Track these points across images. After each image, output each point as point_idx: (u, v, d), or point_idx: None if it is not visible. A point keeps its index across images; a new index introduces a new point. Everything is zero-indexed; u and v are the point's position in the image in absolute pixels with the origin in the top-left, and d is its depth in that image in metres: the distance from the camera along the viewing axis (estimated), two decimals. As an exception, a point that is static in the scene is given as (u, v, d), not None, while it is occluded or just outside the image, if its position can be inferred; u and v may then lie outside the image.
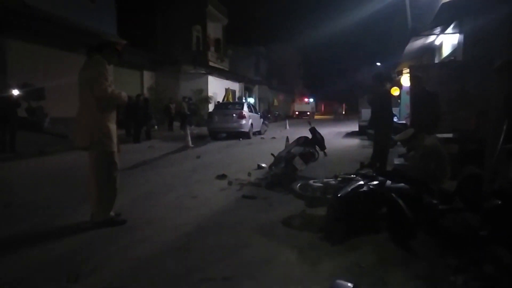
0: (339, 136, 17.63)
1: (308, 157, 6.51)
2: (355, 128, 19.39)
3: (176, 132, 18.65)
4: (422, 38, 11.72)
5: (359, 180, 3.97)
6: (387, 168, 6.37)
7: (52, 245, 3.60)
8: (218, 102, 23.56)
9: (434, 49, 13.55)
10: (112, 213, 4.15)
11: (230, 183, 6.42)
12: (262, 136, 17.88)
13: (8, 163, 9.12)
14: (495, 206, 3.06)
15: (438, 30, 10.55)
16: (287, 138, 8.07)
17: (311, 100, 54.85)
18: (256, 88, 41.01)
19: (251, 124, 16.55)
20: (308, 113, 49.51)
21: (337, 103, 62.09)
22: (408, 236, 3.33)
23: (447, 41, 11.38)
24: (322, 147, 6.90)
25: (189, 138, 13.00)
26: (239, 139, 15.57)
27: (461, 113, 6.97)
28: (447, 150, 5.11)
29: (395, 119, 8.10)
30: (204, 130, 18.12)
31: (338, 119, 42.82)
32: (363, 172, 4.63)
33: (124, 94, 4.23)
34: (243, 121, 15.98)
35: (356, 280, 2.72)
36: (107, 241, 3.67)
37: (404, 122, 11.84)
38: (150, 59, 23.52)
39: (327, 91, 65.36)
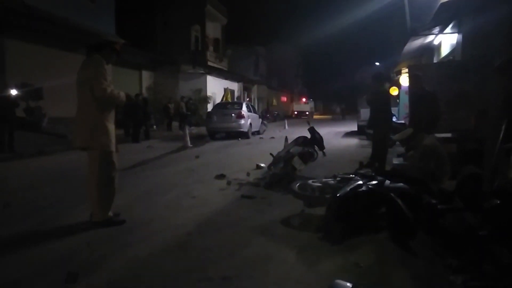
0: (338, 136, 17.64)
1: (307, 157, 6.50)
2: (354, 128, 19.40)
3: (175, 132, 18.64)
4: (421, 38, 11.72)
5: (358, 180, 3.96)
6: (386, 167, 6.37)
7: (51, 245, 3.59)
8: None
9: (433, 49, 13.56)
10: (111, 213, 4.14)
11: (229, 183, 6.41)
12: (261, 136, 17.88)
13: (7, 163, 9.10)
14: (494, 206, 3.06)
15: (437, 30, 10.55)
16: (286, 138, 8.06)
17: (310, 100, 54.90)
18: (255, 88, 41.00)
19: (250, 124, 16.55)
20: (307, 113, 49.54)
21: (336, 103, 62.19)
22: (408, 236, 3.33)
23: (446, 41, 11.38)
24: (321, 147, 6.90)
25: (188, 138, 12.99)
26: (238, 139, 15.57)
27: (460, 112, 6.97)
28: (446, 149, 5.11)
29: (393, 119, 8.11)
30: (203, 130, 18.12)
31: (335, 119, 42.80)
32: (362, 171, 4.62)
33: (122, 94, 4.21)
34: (242, 121, 15.97)
35: (355, 280, 2.72)
36: (106, 241, 3.66)
37: (403, 122, 11.86)
38: (149, 59, 23.49)
39: (326, 91, 65.45)
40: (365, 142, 13.00)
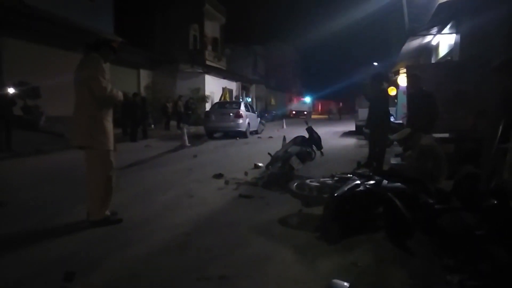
0: (336, 136, 17.65)
1: (305, 157, 6.51)
2: (352, 127, 19.42)
3: (173, 131, 18.62)
4: (419, 38, 11.74)
5: (356, 180, 3.97)
6: (383, 167, 6.38)
7: (49, 244, 3.58)
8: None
9: (431, 49, 13.58)
10: (108, 212, 4.13)
11: (227, 182, 6.41)
12: (259, 135, 17.88)
13: (4, 162, 9.06)
14: (491, 206, 3.07)
15: (435, 30, 10.57)
16: (284, 137, 8.06)
17: (308, 99, 54.87)
18: (253, 88, 40.98)
19: (248, 123, 16.54)
20: (305, 112, 49.53)
21: (334, 102, 62.24)
22: (405, 236, 3.33)
23: (444, 41, 11.41)
24: (319, 147, 6.91)
25: (186, 137, 12.98)
26: (236, 139, 15.56)
27: (458, 113, 6.98)
28: (444, 149, 5.12)
29: (391, 119, 8.12)
30: (201, 129, 18.10)
31: (332, 118, 42.80)
32: (359, 171, 4.63)
33: (120, 93, 4.21)
34: (240, 121, 15.97)
35: (353, 279, 2.72)
36: (103, 241, 3.66)
37: (400, 122, 11.88)
38: (147, 58, 23.45)
39: (324, 91, 65.44)
40: (363, 142, 13.01)
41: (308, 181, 4.87)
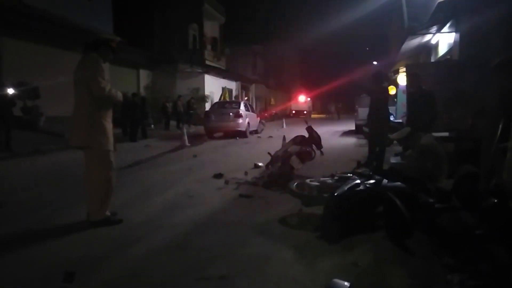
0: (336, 135, 17.66)
1: (305, 156, 6.51)
2: (352, 127, 19.42)
3: (173, 131, 18.61)
4: (418, 37, 11.74)
5: (356, 179, 3.97)
6: (383, 167, 6.38)
7: (48, 244, 3.58)
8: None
9: (431, 48, 13.58)
10: (108, 213, 4.13)
11: (227, 182, 6.41)
12: (259, 135, 17.88)
13: (4, 162, 9.05)
14: (491, 205, 3.07)
15: (434, 29, 10.57)
16: (284, 137, 8.06)
17: (308, 99, 54.85)
18: (253, 87, 40.96)
19: (248, 123, 16.54)
20: (305, 112, 49.51)
21: (334, 102, 62.23)
22: (405, 235, 3.33)
23: (443, 40, 11.41)
24: (319, 146, 6.90)
25: (186, 137, 12.97)
26: (236, 138, 15.56)
27: (457, 112, 6.99)
28: (443, 149, 5.11)
29: (391, 118, 8.12)
30: (200, 129, 18.10)
31: (330, 118, 42.76)
32: (359, 171, 4.64)
33: (120, 93, 4.20)
34: (240, 120, 15.97)
35: (353, 279, 2.72)
36: (103, 241, 3.65)
37: (400, 121, 11.87)
38: (146, 58, 23.44)
39: (324, 90, 65.42)
40: (363, 141, 13.00)
41: (308, 180, 4.87)
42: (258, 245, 3.52)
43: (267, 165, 6.88)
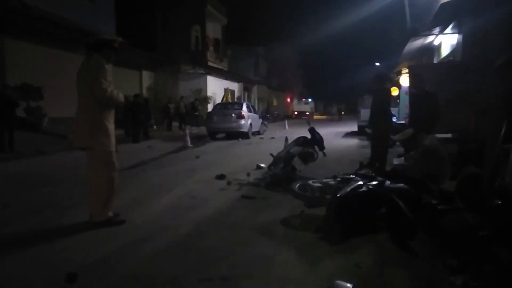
0: (338, 136, 17.64)
1: (307, 157, 6.50)
2: (354, 128, 19.39)
3: (175, 132, 18.64)
4: (421, 38, 11.72)
5: (358, 180, 3.96)
6: (386, 168, 6.36)
7: (51, 245, 3.58)
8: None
9: (433, 49, 13.55)
10: (110, 213, 4.13)
11: (229, 183, 6.40)
12: (261, 136, 17.88)
13: (7, 163, 9.09)
14: (495, 206, 3.06)
15: (437, 30, 10.54)
16: (286, 138, 8.05)
17: (310, 100, 54.86)
18: (255, 88, 41.00)
19: (250, 124, 16.54)
20: (307, 113, 49.51)
21: (335, 103, 62.21)
22: (408, 236, 3.32)
23: (446, 41, 11.38)
24: (321, 147, 6.89)
25: (188, 138, 12.99)
26: (238, 139, 15.56)
27: (460, 113, 6.96)
28: (446, 150, 5.10)
29: (394, 119, 8.10)
30: (203, 130, 18.12)
31: (332, 119, 42.70)
32: (362, 172, 4.62)
33: (122, 95, 4.21)
34: (242, 121, 15.97)
35: (355, 280, 2.71)
36: (105, 242, 3.65)
37: (403, 122, 11.84)
38: (149, 59, 23.49)
39: (326, 91, 65.45)
40: (366, 143, 12.98)
41: (310, 181, 4.86)
42: (260, 246, 3.52)
43: (269, 166, 6.88)
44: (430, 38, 12.01)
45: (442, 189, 4.03)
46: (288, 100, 54.48)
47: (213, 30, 31.19)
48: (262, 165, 7.83)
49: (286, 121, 26.37)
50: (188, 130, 14.01)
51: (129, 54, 18.60)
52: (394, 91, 15.01)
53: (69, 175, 7.26)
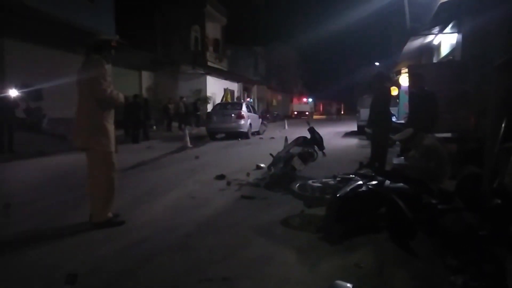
0: (338, 136, 17.63)
1: (307, 157, 6.50)
2: (354, 128, 19.39)
3: (175, 132, 18.63)
4: (420, 38, 11.72)
5: (358, 180, 3.96)
6: (386, 168, 6.36)
7: (51, 246, 3.58)
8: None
9: (433, 49, 13.55)
10: (110, 214, 4.13)
11: (228, 183, 6.40)
12: (261, 136, 17.88)
13: (7, 163, 9.09)
14: (495, 206, 3.06)
15: (436, 29, 10.55)
16: (286, 138, 8.05)
17: (310, 100, 54.89)
18: (254, 88, 40.99)
19: (250, 124, 16.54)
20: (307, 113, 49.55)
21: (336, 103, 62.23)
22: (408, 236, 3.32)
23: (446, 40, 11.38)
24: (321, 147, 6.89)
25: (188, 139, 12.98)
26: (238, 139, 15.56)
27: (460, 112, 6.97)
28: (446, 149, 5.10)
29: (393, 119, 8.10)
30: (202, 130, 18.11)
31: (330, 119, 42.79)
32: (362, 172, 4.62)
33: (122, 96, 4.21)
34: (242, 121, 15.97)
35: (355, 280, 2.71)
36: (105, 242, 3.65)
37: (402, 121, 11.84)
38: (148, 59, 23.47)
39: (326, 91, 65.44)
40: (365, 142, 12.98)
41: (310, 181, 4.86)
42: (260, 247, 3.52)
43: (269, 166, 6.87)
44: (429, 38, 12.01)
45: (442, 189, 4.02)
46: (288, 100, 54.50)
47: (213, 30, 31.18)
48: (262, 165, 7.83)
49: (285, 121, 26.38)
50: (187, 130, 14.00)
51: (128, 54, 18.56)
52: (394, 91, 15.03)
53: (69, 176, 7.25)
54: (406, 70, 11.85)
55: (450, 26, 9.85)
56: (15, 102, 10.58)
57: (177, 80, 25.22)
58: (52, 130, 13.24)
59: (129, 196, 5.44)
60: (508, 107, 3.81)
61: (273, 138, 16.15)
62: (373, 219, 3.79)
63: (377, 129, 6.74)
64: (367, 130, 8.30)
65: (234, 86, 33.06)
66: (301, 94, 57.39)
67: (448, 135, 6.24)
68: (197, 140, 15.17)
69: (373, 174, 4.28)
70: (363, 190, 3.74)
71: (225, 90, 29.67)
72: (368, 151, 7.90)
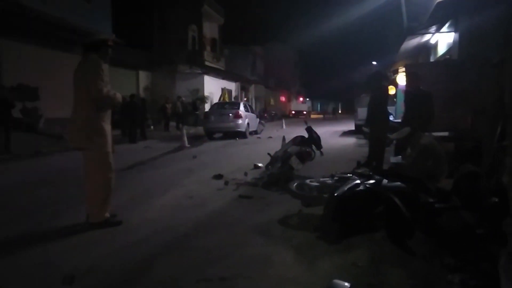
0: (336, 135, 17.65)
1: (305, 157, 6.50)
2: (352, 127, 19.43)
3: (173, 132, 18.60)
4: (417, 37, 11.75)
5: (356, 179, 3.96)
6: (383, 167, 6.36)
7: (48, 246, 3.56)
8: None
9: (430, 48, 13.58)
10: (107, 214, 4.11)
11: (226, 183, 6.39)
12: (258, 135, 17.88)
13: (3, 164, 9.04)
14: (492, 204, 3.06)
15: (433, 28, 10.57)
16: (284, 137, 8.05)
17: (307, 99, 54.97)
18: (252, 88, 40.98)
19: (248, 123, 16.54)
20: (305, 112, 49.59)
21: (333, 102, 62.34)
22: (405, 235, 3.32)
23: (443, 39, 11.40)
24: (319, 146, 6.90)
25: (185, 138, 12.97)
26: (236, 139, 15.55)
27: (457, 111, 6.98)
28: (443, 148, 5.11)
29: (391, 118, 8.10)
30: (200, 130, 18.09)
31: (327, 118, 42.92)
32: (359, 171, 4.62)
33: (119, 95, 4.19)
34: (240, 121, 15.97)
35: (353, 279, 2.71)
36: (102, 242, 3.64)
37: (399, 121, 11.85)
38: (146, 59, 23.45)
39: (323, 91, 65.54)
40: (363, 142, 13.01)
41: (308, 181, 4.85)
42: (258, 246, 3.51)
43: (266, 166, 6.87)
44: (426, 37, 12.04)
45: (439, 188, 4.03)
46: (286, 99, 54.54)
47: (210, 29, 31.15)
48: (260, 164, 7.83)
49: (283, 121, 26.38)
50: (185, 130, 13.99)
51: (125, 54, 18.55)
52: (391, 90, 15.03)
53: (66, 176, 7.23)
54: (403, 69, 11.86)
55: (447, 25, 9.87)
56: (11, 102, 10.52)
57: (174, 79, 25.18)
58: (48, 130, 13.19)
59: (126, 196, 5.43)
60: (505, 105, 3.82)
61: (270, 137, 16.15)
62: (371, 218, 3.79)
63: (374, 128, 6.74)
64: (365, 129, 8.30)
65: (231, 86, 33.05)
66: (299, 94, 57.45)
67: (446, 134, 6.25)
68: (195, 139, 15.16)
69: (370, 173, 4.28)
70: (360, 189, 3.74)
71: (223, 89, 29.65)
72: (365, 150, 7.92)
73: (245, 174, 7.12)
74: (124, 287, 2.80)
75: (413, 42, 12.39)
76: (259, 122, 19.47)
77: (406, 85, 7.52)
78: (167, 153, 11.24)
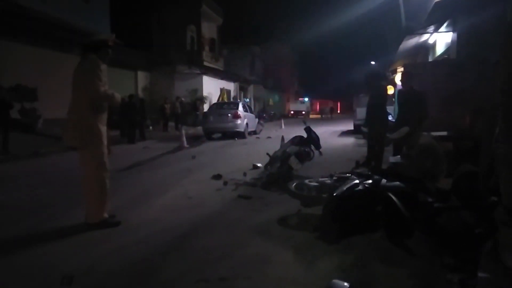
0: (335, 135, 17.66)
1: (304, 157, 6.50)
2: (350, 127, 19.44)
3: (171, 132, 18.59)
4: (416, 36, 11.76)
5: (355, 179, 3.95)
6: (382, 166, 6.36)
7: (46, 247, 3.56)
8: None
9: (428, 48, 13.60)
10: (106, 215, 4.11)
11: (225, 183, 6.39)
12: (257, 135, 17.87)
13: (2, 164, 9.03)
14: (491, 204, 3.06)
15: (431, 28, 10.59)
16: (283, 137, 8.05)
17: (306, 99, 54.95)
18: (251, 88, 40.97)
19: (246, 123, 16.53)
20: (303, 112, 49.59)
21: (332, 102, 62.35)
22: (404, 235, 3.32)
23: (441, 39, 11.42)
24: (318, 146, 6.90)
25: (184, 138, 12.96)
26: (235, 139, 15.55)
27: (456, 111, 6.97)
28: (442, 148, 5.11)
29: (390, 118, 8.09)
30: (199, 130, 18.08)
31: (325, 118, 43.03)
32: (358, 171, 4.61)
33: (117, 95, 4.18)
34: (238, 121, 15.96)
35: (352, 279, 2.71)
36: (102, 243, 3.63)
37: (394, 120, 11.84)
38: (144, 59, 23.43)
39: (322, 90, 65.54)
40: (362, 141, 13.01)
41: (307, 181, 4.85)
42: (257, 246, 3.51)
43: (265, 166, 6.87)
44: (425, 37, 12.06)
45: (438, 187, 4.02)
46: (284, 99, 54.55)
47: (209, 30, 31.15)
48: (259, 164, 7.82)
49: (282, 121, 26.39)
50: (184, 130, 13.98)
51: (124, 54, 18.52)
52: (390, 90, 15.04)
53: (64, 176, 7.21)
54: (402, 69, 11.88)
55: (445, 24, 9.89)
56: (9, 103, 10.50)
57: (173, 80, 25.18)
58: (47, 131, 13.17)
59: (125, 197, 5.42)
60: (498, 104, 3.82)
61: (269, 137, 16.15)
62: (370, 218, 3.78)
63: (373, 128, 6.74)
64: (363, 129, 8.27)
65: (230, 86, 33.05)
66: (298, 94, 57.46)
67: (444, 133, 6.24)
68: (194, 140, 15.14)
69: (369, 173, 4.28)
70: (359, 189, 3.74)
71: (222, 89, 29.65)
72: (364, 150, 7.92)
73: (244, 174, 7.11)
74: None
75: (411, 42, 12.40)
76: (258, 122, 19.47)
77: (401, 84, 7.53)
78: (166, 153, 11.23)
